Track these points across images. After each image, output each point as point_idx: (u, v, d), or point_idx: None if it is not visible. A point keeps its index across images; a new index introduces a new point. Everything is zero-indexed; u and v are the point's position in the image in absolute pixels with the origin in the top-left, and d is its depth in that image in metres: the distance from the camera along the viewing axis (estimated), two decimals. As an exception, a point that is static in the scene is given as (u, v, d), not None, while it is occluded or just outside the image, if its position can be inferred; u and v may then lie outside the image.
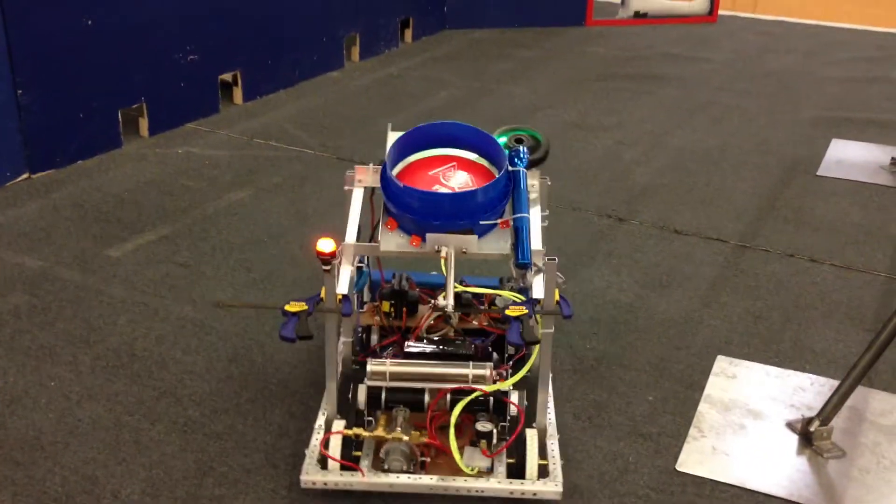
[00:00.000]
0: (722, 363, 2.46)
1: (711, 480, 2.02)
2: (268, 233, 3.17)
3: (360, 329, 2.18)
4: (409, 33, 5.81)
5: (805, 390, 2.34)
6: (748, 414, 2.24)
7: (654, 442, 2.14)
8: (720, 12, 6.65)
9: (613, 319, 2.68)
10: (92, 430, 2.11)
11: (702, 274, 2.96)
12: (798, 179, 3.75)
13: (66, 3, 3.52)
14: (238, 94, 4.47)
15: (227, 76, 4.41)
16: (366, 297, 2.31)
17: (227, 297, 2.73)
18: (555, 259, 1.86)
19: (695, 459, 2.08)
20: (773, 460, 2.09)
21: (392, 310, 2.19)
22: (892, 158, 3.90)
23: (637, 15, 6.56)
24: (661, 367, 2.44)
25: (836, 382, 2.19)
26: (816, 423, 2.13)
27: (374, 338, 2.18)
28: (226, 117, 4.31)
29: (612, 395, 2.31)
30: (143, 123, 3.98)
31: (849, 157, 4.00)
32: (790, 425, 2.20)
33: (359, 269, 2.16)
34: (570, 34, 6.15)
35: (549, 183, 2.13)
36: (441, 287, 1.94)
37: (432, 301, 2.06)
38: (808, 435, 2.14)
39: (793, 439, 2.16)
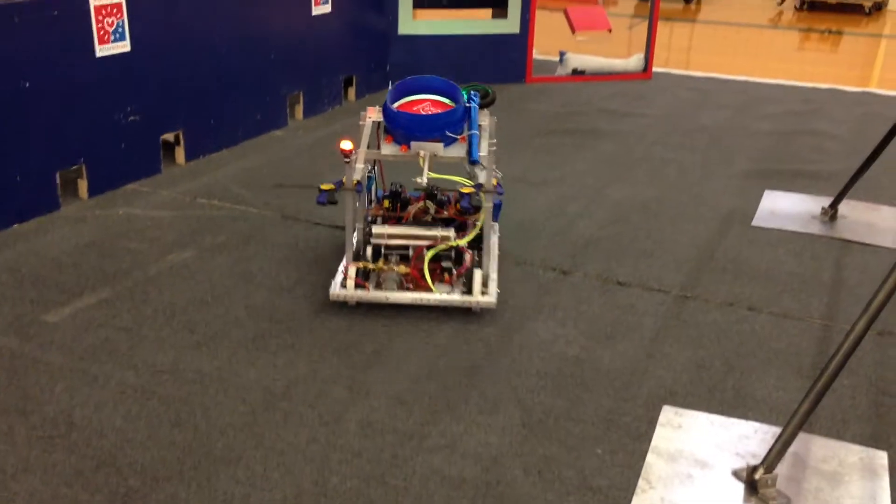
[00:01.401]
0: (668, 413, 2.49)
1: (661, 532, 2.02)
2: (211, 293, 3.13)
3: (369, 217, 3.21)
4: (352, 91, 5.87)
5: (749, 438, 2.38)
6: (695, 464, 2.27)
7: (604, 495, 2.14)
8: (654, 69, 6.88)
9: (560, 372, 2.70)
10: (27, 505, 2.03)
11: (645, 325, 3.01)
12: (734, 230, 3.86)
13: (2, 65, 3.48)
14: (180, 153, 4.44)
15: (170, 136, 4.39)
16: (373, 199, 3.29)
17: (169, 360, 2.68)
18: (494, 147, 3.02)
19: (644, 512, 2.09)
20: (720, 510, 2.11)
21: (390, 205, 3.23)
22: (823, 208, 4.04)
23: (575, 72, 6.75)
24: (608, 420, 2.46)
25: (778, 429, 2.23)
26: (761, 470, 2.17)
27: (379, 222, 3.19)
28: (168, 177, 4.27)
29: (561, 449, 2.31)
30: (83, 185, 3.93)
31: (781, 207, 4.13)
32: (736, 474, 2.23)
33: (369, 177, 3.19)
34: (511, 91, 6.28)
35: (497, 120, 3.20)
36: (422, 191, 3.21)
37: (416, 179, 2.93)
38: (754, 483, 2.17)
39: (739, 488, 2.18)
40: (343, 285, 2.99)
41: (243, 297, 3.10)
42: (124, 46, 4.00)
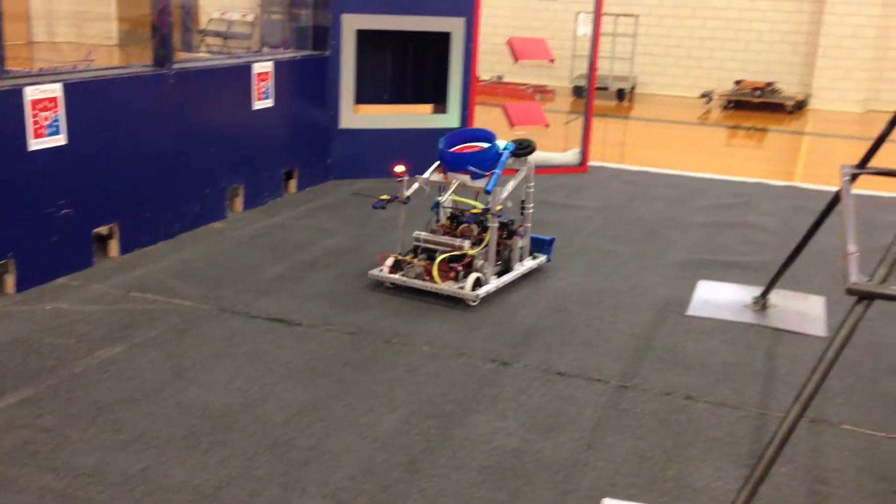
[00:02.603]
0: (609, 506, 2.46)
1: None
2: (141, 390, 3.03)
3: (431, 228, 4.20)
4: (293, 184, 5.89)
5: (690, 530, 2.36)
6: (637, 558, 2.23)
7: None
8: (590, 163, 7.08)
9: (500, 465, 2.66)
10: None
11: (585, 415, 3.00)
12: (670, 319, 3.92)
13: (-69, 158, 3.41)
14: (114, 246, 4.36)
15: (103, 229, 4.32)
16: (441, 219, 4.26)
17: (93, 462, 2.56)
18: (531, 189, 4.33)
19: None
20: None
21: (450, 224, 4.21)
22: (754, 298, 4.14)
23: (514, 166, 6.90)
24: (549, 514, 2.41)
25: (718, 520, 2.22)
26: (703, 563, 2.14)
27: (441, 233, 4.20)
28: (100, 271, 4.18)
29: (502, 547, 2.25)
30: (10, 280, 3.81)
31: (715, 297, 4.22)
32: (678, 568, 2.20)
33: (437, 200, 4.25)
34: (450, 184, 6.37)
35: (533, 165, 4.33)
36: (471, 217, 4.01)
37: (439, 199, 4.26)
38: (696, 577, 2.13)
39: (682, 582, 2.15)
40: (380, 270, 4.09)
41: (174, 394, 3.01)
42: (60, 140, 3.96)
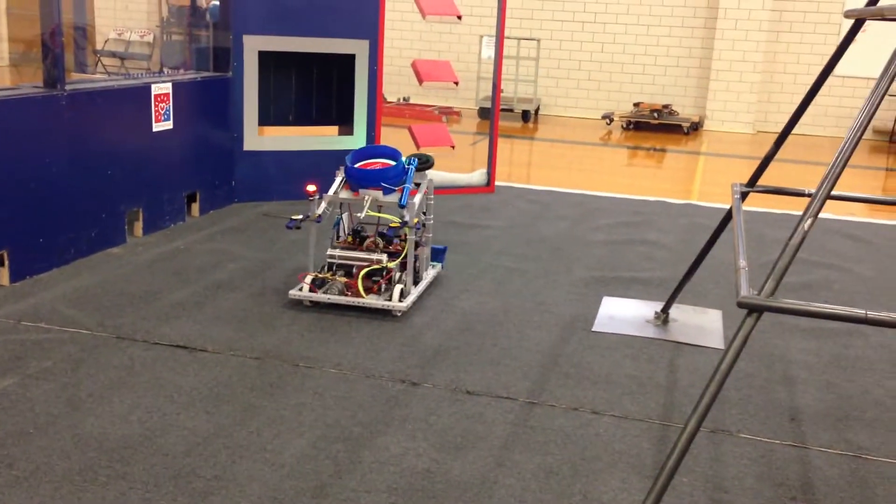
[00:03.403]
0: (518, 523, 2.47)
1: None
2: (34, 424, 2.88)
3: (336, 245, 4.28)
4: (196, 207, 5.76)
5: (597, 543, 2.39)
6: (546, 573, 2.25)
7: None
8: (497, 183, 7.18)
9: (410, 486, 2.64)
10: None
11: (494, 433, 3.02)
12: (576, 336, 4.00)
13: None
14: (4, 274, 4.16)
15: (-8, 256, 4.12)
16: (342, 235, 4.35)
17: (-19, 501, 2.42)
18: (432, 202, 4.48)
19: None
20: None
21: (352, 240, 4.31)
22: (656, 312, 4.26)
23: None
24: (459, 534, 2.41)
25: (623, 532, 2.26)
26: (610, 575, 2.17)
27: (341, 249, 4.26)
28: (-11, 299, 3.98)
29: (412, 570, 2.24)
30: None
31: (618, 313, 4.33)
32: (586, 581, 2.22)
33: (338, 219, 4.35)
34: (358, 205, 6.35)
35: (431, 178, 4.46)
36: (391, 230, 4.33)
37: (357, 215, 4.25)
38: (604, 589, 2.16)
39: None
40: (300, 289, 4.08)
41: (70, 427, 2.88)
42: (-57, 162, 3.77)
